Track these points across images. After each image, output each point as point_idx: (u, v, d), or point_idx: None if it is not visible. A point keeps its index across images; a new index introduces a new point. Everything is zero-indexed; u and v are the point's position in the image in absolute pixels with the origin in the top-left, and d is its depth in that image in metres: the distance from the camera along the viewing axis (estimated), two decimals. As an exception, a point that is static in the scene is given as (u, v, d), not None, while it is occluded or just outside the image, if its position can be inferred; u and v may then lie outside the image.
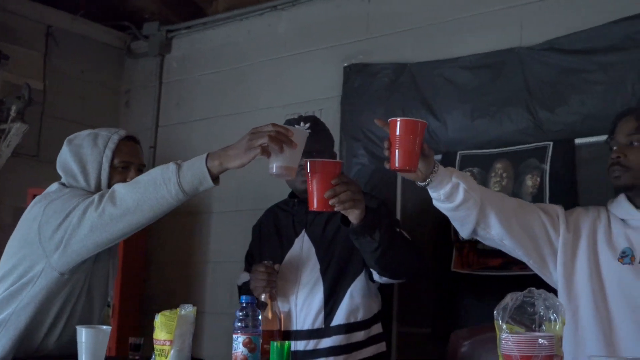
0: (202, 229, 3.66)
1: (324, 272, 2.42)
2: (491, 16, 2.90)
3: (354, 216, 2.07)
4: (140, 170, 2.32)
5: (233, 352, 1.91)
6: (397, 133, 1.81)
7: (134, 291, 3.63)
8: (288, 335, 2.43)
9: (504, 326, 1.44)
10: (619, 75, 2.48)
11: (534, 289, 1.49)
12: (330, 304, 2.40)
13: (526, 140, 2.65)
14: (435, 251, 2.78)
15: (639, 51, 2.45)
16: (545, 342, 1.36)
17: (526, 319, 1.49)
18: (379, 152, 3.01)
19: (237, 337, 1.91)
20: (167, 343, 1.95)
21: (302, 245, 2.50)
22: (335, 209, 2.02)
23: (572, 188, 2.52)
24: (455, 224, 2.08)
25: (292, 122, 2.52)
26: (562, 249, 2.00)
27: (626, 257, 1.96)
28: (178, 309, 2.01)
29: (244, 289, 2.61)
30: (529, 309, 1.49)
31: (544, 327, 1.44)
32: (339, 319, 2.40)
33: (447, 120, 2.83)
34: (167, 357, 1.95)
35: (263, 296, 2.29)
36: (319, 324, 2.42)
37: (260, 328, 1.97)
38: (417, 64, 3.03)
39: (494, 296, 2.58)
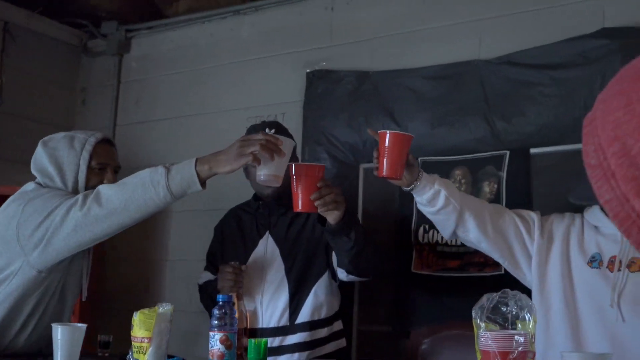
0: (162, 228, 3.68)
1: (288, 272, 2.53)
2: (451, 29, 3.04)
3: (334, 217, 2.18)
4: (116, 171, 2.37)
5: (210, 349, 1.99)
6: (386, 144, 1.95)
7: (92, 288, 3.62)
8: (254, 332, 2.51)
9: (482, 324, 1.55)
10: (572, 89, 2.64)
11: (508, 290, 1.61)
12: (295, 302, 2.51)
13: (484, 149, 2.79)
14: (396, 253, 2.89)
15: (590, 68, 2.62)
16: (521, 339, 1.48)
17: (500, 317, 1.60)
18: (341, 156, 3.12)
19: (214, 335, 1.98)
20: (146, 340, 2.01)
21: (267, 246, 2.60)
22: (319, 211, 2.12)
23: (527, 194, 2.67)
24: (438, 226, 2.25)
25: (256, 127, 2.64)
26: (537, 253, 2.16)
27: (595, 261, 2.11)
28: (156, 307, 2.07)
29: (206, 287, 2.69)
30: (502, 308, 1.60)
31: (517, 325, 1.55)
32: (303, 316, 2.51)
33: (408, 128, 2.95)
34: (145, 354, 2.01)
35: (231, 296, 2.36)
36: (285, 321, 2.52)
37: (236, 326, 2.05)
38: (379, 72, 3.14)
39: (453, 296, 2.76)
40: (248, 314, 2.53)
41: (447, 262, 2.79)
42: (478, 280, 2.70)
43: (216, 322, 2.01)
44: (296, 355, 2.50)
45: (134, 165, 3.77)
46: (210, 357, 1.99)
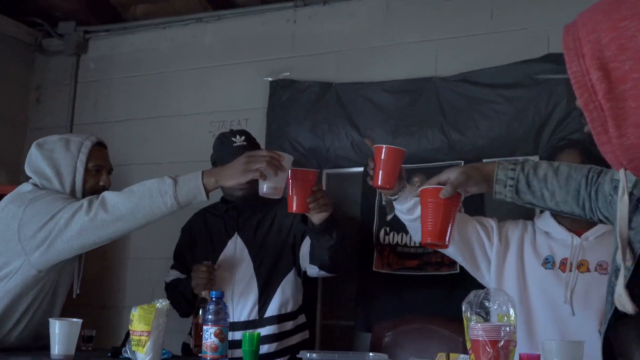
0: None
1: (257, 271, 2.72)
2: (409, 47, 3.30)
3: (320, 218, 2.38)
4: (110, 173, 2.49)
5: (204, 342, 2.15)
6: (382, 157, 2.14)
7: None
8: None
9: (473, 317, 1.78)
10: (521, 107, 2.95)
11: (491, 288, 1.86)
12: (264, 298, 2.70)
13: (441, 158, 3.05)
14: (358, 253, 3.12)
15: (538, 88, 2.93)
16: (507, 329, 1.71)
17: (482, 311, 1.84)
18: (305, 161, 3.30)
19: (209, 329, 2.15)
20: (145, 334, 2.14)
21: (236, 247, 2.78)
22: (312, 212, 2.33)
23: (480, 200, 2.95)
24: (412, 231, 2.48)
25: (226, 135, 2.82)
26: (495, 256, 2.43)
27: (548, 263, 2.41)
28: (155, 303, 2.22)
29: (175, 285, 2.83)
30: (486, 303, 1.84)
31: (499, 318, 1.79)
32: (271, 311, 2.70)
33: (373, 138, 3.18)
34: (144, 347, 2.14)
35: (203, 293, 2.53)
36: (254, 315, 2.71)
37: (228, 320, 2.22)
38: (342, 84, 3.36)
39: (411, 293, 3.00)
40: (218, 311, 2.72)
41: (406, 261, 3.04)
42: (435, 279, 2.97)
43: (211, 316, 2.18)
44: (266, 346, 2.68)
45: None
46: (204, 349, 2.16)
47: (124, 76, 3.93)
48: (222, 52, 3.73)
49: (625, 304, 1.30)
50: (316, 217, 2.40)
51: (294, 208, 2.32)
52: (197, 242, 2.88)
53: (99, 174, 2.43)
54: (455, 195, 1.90)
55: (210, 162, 2.87)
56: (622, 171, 1.27)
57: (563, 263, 2.38)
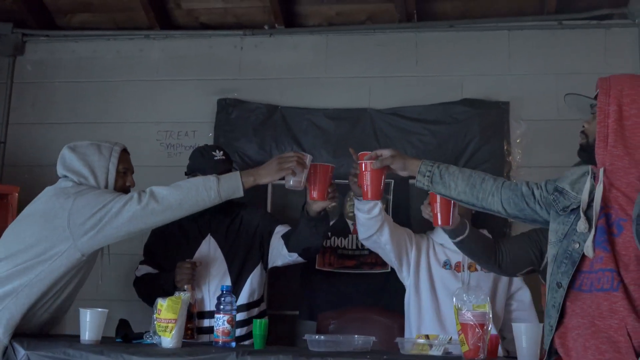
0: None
1: (230, 267, 3.16)
2: (347, 80, 3.91)
3: (322, 205, 2.89)
4: (132, 174, 2.87)
5: (216, 327, 2.59)
6: (369, 172, 2.59)
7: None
8: (203, 314, 3.10)
9: (463, 306, 2.37)
10: (443, 140, 3.66)
11: (472, 285, 2.48)
12: (236, 289, 3.13)
13: None
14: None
15: (457, 126, 3.66)
16: (488, 315, 2.35)
17: (460, 303, 2.45)
18: (252, 172, 3.76)
19: (222, 317, 2.60)
20: (172, 321, 2.55)
21: (209, 246, 3.20)
22: (328, 199, 2.84)
23: (407, 213, 3.62)
24: (363, 228, 3.02)
25: (206, 149, 3.25)
26: (414, 260, 3.14)
27: (447, 265, 3.15)
28: (181, 295, 2.61)
29: (148, 279, 3.19)
30: (464, 297, 2.45)
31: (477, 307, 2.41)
32: (241, 300, 3.15)
33: (315, 157, 3.72)
34: (170, 332, 2.54)
35: (186, 287, 2.95)
36: None
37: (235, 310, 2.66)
38: (287, 107, 3.88)
39: (349, 288, 3.58)
40: (197, 301, 3.13)
41: (345, 261, 3.65)
42: (369, 276, 3.61)
43: (223, 306, 2.62)
44: (237, 330, 3.12)
45: (25, 162, 4.06)
46: (217, 334, 2.60)
47: (65, 81, 4.13)
48: (169, 68, 4.07)
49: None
50: (320, 205, 2.87)
51: (315, 196, 2.78)
52: (169, 241, 3.23)
53: (126, 176, 2.81)
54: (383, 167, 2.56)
55: (186, 171, 3.25)
56: (602, 169, 1.99)
57: (457, 265, 3.14)
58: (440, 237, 3.17)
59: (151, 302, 3.03)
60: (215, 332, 2.61)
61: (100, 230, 2.54)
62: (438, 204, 2.62)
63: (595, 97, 2.10)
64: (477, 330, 2.29)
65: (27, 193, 3.33)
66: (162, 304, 2.55)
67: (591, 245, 1.94)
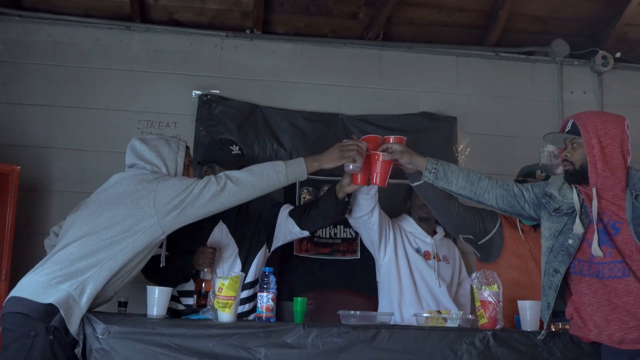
0: (41, 204, 4.05)
1: (240, 251, 3.48)
2: (320, 87, 4.37)
3: (353, 190, 3.26)
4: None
5: (261, 304, 2.92)
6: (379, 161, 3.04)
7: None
8: None
9: (482, 286, 2.97)
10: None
11: (485, 270, 3.05)
12: (244, 270, 3.47)
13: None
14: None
15: (416, 135, 4.23)
16: (500, 293, 2.96)
17: (476, 284, 3.04)
18: (234, 167, 4.09)
19: (266, 295, 2.93)
20: (232, 298, 2.86)
21: (222, 233, 3.49)
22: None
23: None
24: (359, 208, 3.44)
25: (224, 143, 3.55)
26: (392, 241, 3.62)
27: (420, 252, 3.71)
28: (239, 274, 2.93)
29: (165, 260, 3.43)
30: (479, 278, 3.04)
31: (485, 287, 3.02)
32: (248, 278, 3.48)
33: (293, 153, 4.16)
34: (230, 308, 2.86)
35: (206, 269, 3.25)
36: None
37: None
38: (268, 107, 4.25)
39: (324, 272, 4.07)
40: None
41: (320, 248, 4.12)
42: (341, 262, 4.11)
43: (266, 285, 3.00)
44: (247, 305, 3.46)
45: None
46: (261, 310, 2.95)
47: (42, 63, 4.18)
48: (149, 61, 4.27)
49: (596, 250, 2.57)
50: (352, 188, 3.22)
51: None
52: (184, 226, 3.49)
53: (189, 168, 3.10)
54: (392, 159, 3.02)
55: (200, 160, 3.52)
56: (594, 189, 2.64)
57: (426, 254, 3.71)
58: (410, 225, 3.73)
59: (158, 281, 3.25)
60: (259, 309, 2.93)
61: (184, 210, 2.80)
62: (378, 166, 3.03)
63: (567, 132, 2.74)
64: (495, 306, 2.91)
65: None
66: (224, 282, 2.82)
67: (597, 247, 2.59)
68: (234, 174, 2.91)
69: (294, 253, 4.10)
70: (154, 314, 2.81)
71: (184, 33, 4.33)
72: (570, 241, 2.66)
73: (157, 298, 2.84)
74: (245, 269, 3.45)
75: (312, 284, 4.04)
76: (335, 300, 3.90)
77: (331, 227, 4.15)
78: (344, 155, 3.01)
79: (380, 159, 3.03)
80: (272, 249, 3.60)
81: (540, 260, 3.34)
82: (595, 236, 2.60)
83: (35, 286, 2.65)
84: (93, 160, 4.12)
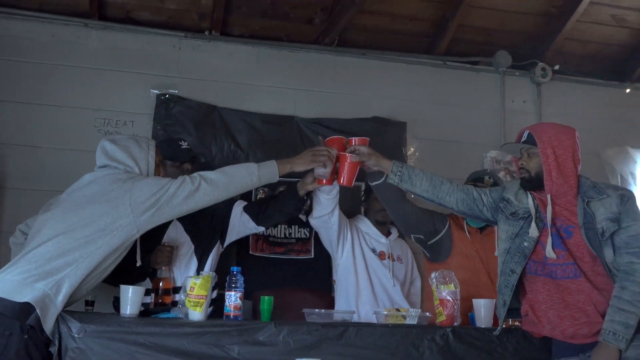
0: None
1: (196, 249, 3.59)
2: (274, 89, 4.48)
3: (313, 189, 3.43)
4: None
5: (229, 303, 2.99)
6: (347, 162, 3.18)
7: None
8: (176, 289, 3.50)
9: (441, 286, 3.15)
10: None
11: (443, 270, 3.24)
12: (200, 267, 3.56)
13: (299, 176, 4.16)
14: (238, 240, 4.13)
15: (375, 140, 4.40)
16: (457, 292, 3.16)
17: (435, 283, 3.23)
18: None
19: (234, 294, 2.98)
20: (204, 297, 2.93)
21: (177, 230, 3.60)
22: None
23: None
24: (320, 207, 3.58)
25: (174, 139, 3.64)
26: (350, 241, 3.79)
27: (375, 252, 3.90)
28: (210, 274, 3.01)
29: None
30: (435, 277, 3.23)
31: (443, 286, 3.21)
32: (204, 274, 3.59)
33: (249, 153, 4.25)
34: (201, 307, 2.94)
35: (164, 268, 3.35)
36: None
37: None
38: (225, 108, 4.32)
39: (279, 270, 4.19)
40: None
41: (275, 248, 4.23)
42: (296, 261, 4.24)
43: (234, 284, 3.09)
44: None
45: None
46: (229, 308, 3.04)
47: (-3, 57, 4.13)
48: (107, 58, 4.27)
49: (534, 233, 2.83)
50: (314, 186, 3.38)
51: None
52: None
53: (159, 167, 3.14)
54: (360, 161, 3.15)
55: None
56: (549, 195, 2.84)
57: (381, 254, 3.90)
58: (366, 226, 3.89)
59: (116, 281, 3.18)
60: (227, 307, 2.98)
61: (159, 209, 2.85)
62: (347, 167, 3.17)
63: (523, 142, 2.95)
64: (454, 304, 3.10)
65: None
66: (196, 282, 2.90)
67: (551, 249, 2.81)
68: (207, 174, 2.99)
69: (250, 252, 4.20)
70: (127, 312, 2.85)
71: (143, 32, 4.35)
72: (525, 243, 2.87)
73: (131, 297, 2.88)
74: (201, 266, 3.53)
75: (267, 283, 4.14)
76: (290, 298, 4.01)
77: (286, 227, 4.27)
78: (316, 160, 3.15)
79: (348, 160, 3.17)
80: (225, 244, 3.67)
81: (486, 260, 3.61)
82: (549, 239, 2.81)
83: (9, 285, 2.64)
84: (48, 157, 4.09)
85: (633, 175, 4.83)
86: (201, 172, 3.00)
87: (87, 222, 2.79)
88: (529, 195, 2.94)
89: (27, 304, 2.58)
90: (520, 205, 2.96)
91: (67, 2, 4.24)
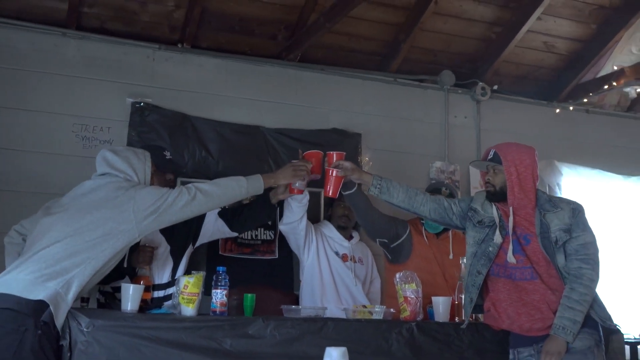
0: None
1: (172, 250, 3.86)
2: (243, 101, 4.78)
3: (286, 197, 3.75)
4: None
5: (216, 300, 3.29)
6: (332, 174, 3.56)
7: None
8: (154, 287, 3.77)
9: (405, 285, 3.55)
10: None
11: (405, 271, 3.64)
12: (176, 267, 3.84)
13: None
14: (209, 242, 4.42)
15: (327, 149, 4.72)
16: (420, 290, 3.56)
17: (399, 283, 3.62)
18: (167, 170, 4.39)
19: (220, 292, 3.28)
20: (196, 295, 3.22)
21: (153, 232, 3.84)
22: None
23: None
24: (291, 214, 3.97)
25: (158, 149, 3.89)
26: (315, 245, 4.17)
27: (339, 255, 4.29)
28: (201, 273, 3.29)
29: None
30: (398, 277, 3.63)
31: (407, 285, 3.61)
32: (179, 273, 3.84)
33: (219, 161, 4.55)
34: (194, 304, 3.23)
35: (145, 268, 3.62)
36: (169, 278, 3.79)
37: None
38: (197, 117, 4.60)
39: (246, 270, 4.51)
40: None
41: (243, 248, 4.55)
42: (262, 261, 4.56)
43: (219, 283, 3.40)
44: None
45: None
46: (216, 305, 3.33)
47: (-28, 61, 4.25)
48: (84, 67, 4.47)
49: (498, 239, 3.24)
50: (285, 195, 3.69)
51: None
52: None
53: (154, 177, 3.42)
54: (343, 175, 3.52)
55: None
56: (511, 208, 3.25)
57: (344, 256, 4.31)
58: (330, 231, 4.28)
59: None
60: (213, 304, 3.26)
61: (159, 216, 3.12)
62: (332, 180, 3.53)
63: (489, 159, 3.37)
64: (416, 302, 3.50)
65: None
66: (190, 280, 3.17)
67: (512, 255, 3.22)
68: (202, 186, 3.27)
69: (219, 253, 4.50)
70: (128, 308, 3.08)
71: (118, 43, 4.56)
72: (490, 248, 3.28)
73: (132, 294, 3.13)
74: (176, 265, 3.77)
75: (235, 281, 4.41)
76: (259, 296, 4.31)
77: (253, 229, 4.59)
78: (296, 174, 3.52)
79: (334, 174, 3.53)
80: (196, 245, 3.91)
81: (442, 263, 4.05)
82: (510, 246, 3.22)
83: (22, 284, 2.83)
84: (26, 160, 4.26)
85: (559, 185, 5.40)
86: (196, 184, 3.28)
87: (94, 226, 3.02)
88: (494, 207, 3.34)
89: (41, 301, 2.78)
90: (486, 214, 3.35)
91: (45, 12, 4.42)
